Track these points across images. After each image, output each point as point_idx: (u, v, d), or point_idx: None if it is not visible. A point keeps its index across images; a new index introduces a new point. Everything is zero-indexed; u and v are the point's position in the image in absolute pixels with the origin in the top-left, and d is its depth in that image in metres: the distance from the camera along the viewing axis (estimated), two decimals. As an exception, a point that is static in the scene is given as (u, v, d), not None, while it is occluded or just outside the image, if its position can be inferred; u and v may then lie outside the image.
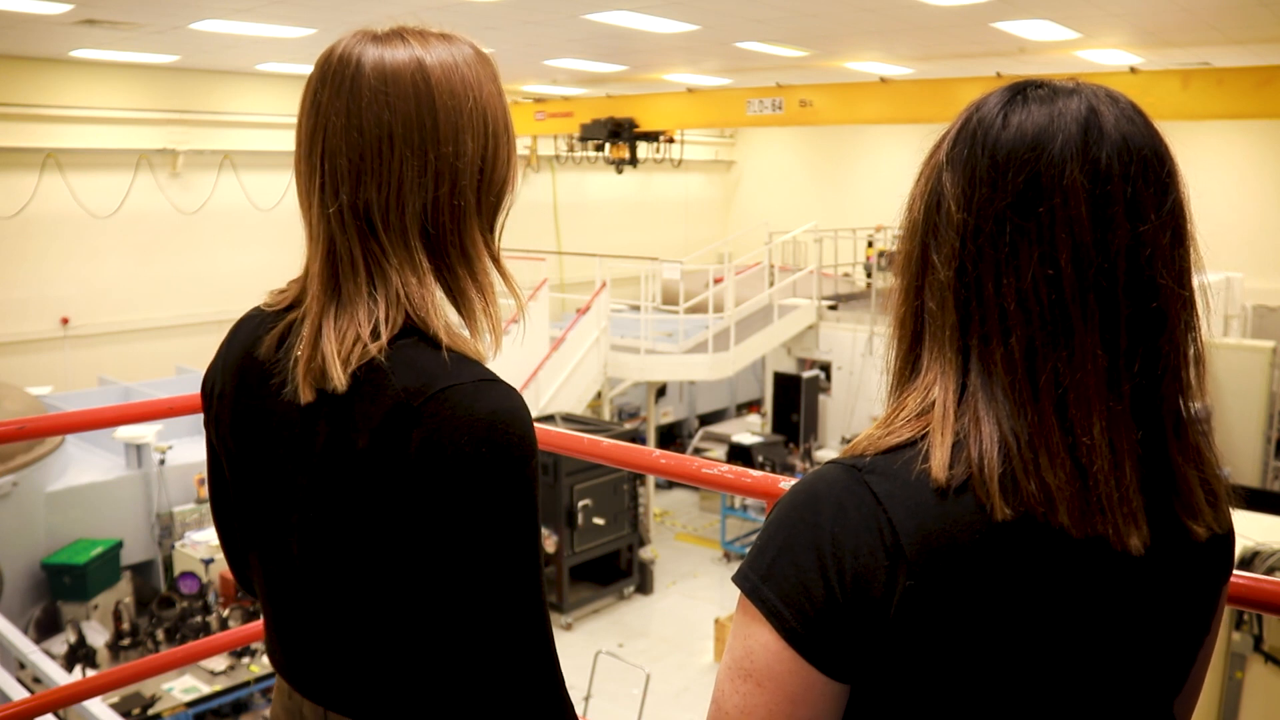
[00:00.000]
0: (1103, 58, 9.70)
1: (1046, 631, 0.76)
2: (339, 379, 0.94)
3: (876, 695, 0.77)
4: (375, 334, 0.96)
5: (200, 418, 1.19)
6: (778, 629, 0.76)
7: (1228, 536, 0.87)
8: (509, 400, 0.95)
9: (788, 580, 0.77)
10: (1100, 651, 0.79)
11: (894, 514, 0.75)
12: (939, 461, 0.75)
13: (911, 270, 0.83)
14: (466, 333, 1.02)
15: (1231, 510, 0.87)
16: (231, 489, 1.13)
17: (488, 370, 0.98)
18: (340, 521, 0.98)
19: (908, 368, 0.84)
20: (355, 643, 1.02)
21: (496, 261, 1.05)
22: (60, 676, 3.68)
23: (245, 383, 1.06)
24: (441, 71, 0.99)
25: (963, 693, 0.76)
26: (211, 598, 7.07)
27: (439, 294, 1.01)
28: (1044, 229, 0.76)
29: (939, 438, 0.77)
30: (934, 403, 0.79)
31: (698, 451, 11.78)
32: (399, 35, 1.00)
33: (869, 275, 12.76)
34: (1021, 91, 0.81)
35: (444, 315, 0.99)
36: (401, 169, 0.97)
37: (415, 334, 0.97)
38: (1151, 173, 0.77)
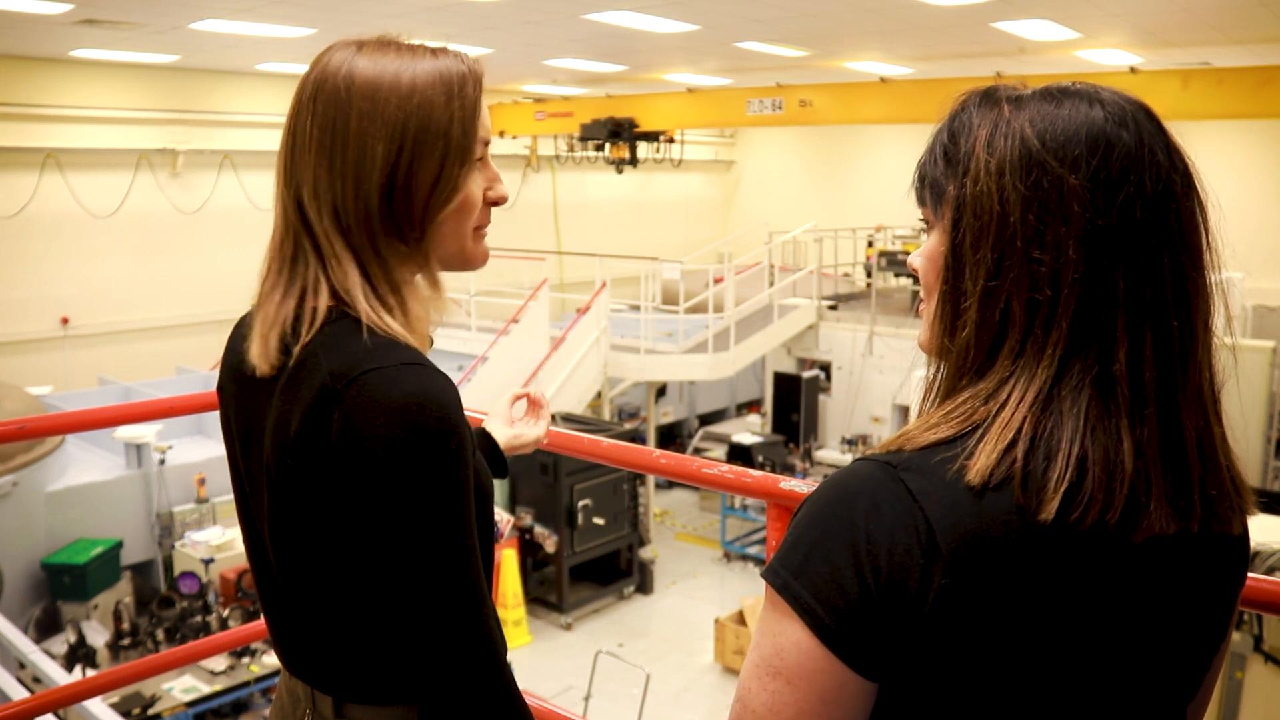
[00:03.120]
0: (1103, 58, 9.70)
1: (1078, 633, 0.76)
2: (259, 360, 1.02)
3: (905, 694, 0.77)
4: (299, 319, 1.01)
5: (200, 418, 1.21)
6: (810, 626, 0.76)
7: (1244, 537, 0.87)
8: (430, 382, 0.97)
9: (821, 577, 0.76)
10: (1128, 654, 0.79)
11: (930, 511, 0.74)
12: (984, 461, 0.75)
13: (999, 272, 0.80)
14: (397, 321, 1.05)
15: (1252, 510, 0.87)
16: (232, 482, 1.18)
17: (416, 354, 1.00)
18: (287, 507, 1.01)
19: (972, 371, 0.82)
20: (324, 626, 1.06)
21: (423, 271, 1.08)
22: (60, 676, 3.69)
23: (235, 379, 1.12)
24: (369, 78, 1.02)
25: (991, 692, 0.76)
26: (211, 598, 7.07)
27: (364, 284, 1.04)
28: (1171, 227, 0.78)
29: (994, 438, 0.76)
30: (1002, 402, 0.78)
31: (698, 451, 11.77)
32: (358, 44, 1.05)
33: (869, 275, 12.76)
34: (1096, 94, 0.81)
35: (371, 303, 1.02)
36: (317, 168, 1.02)
37: (350, 320, 1.01)
38: (1194, 172, 0.82)
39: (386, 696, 1.06)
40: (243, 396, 1.09)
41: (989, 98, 0.84)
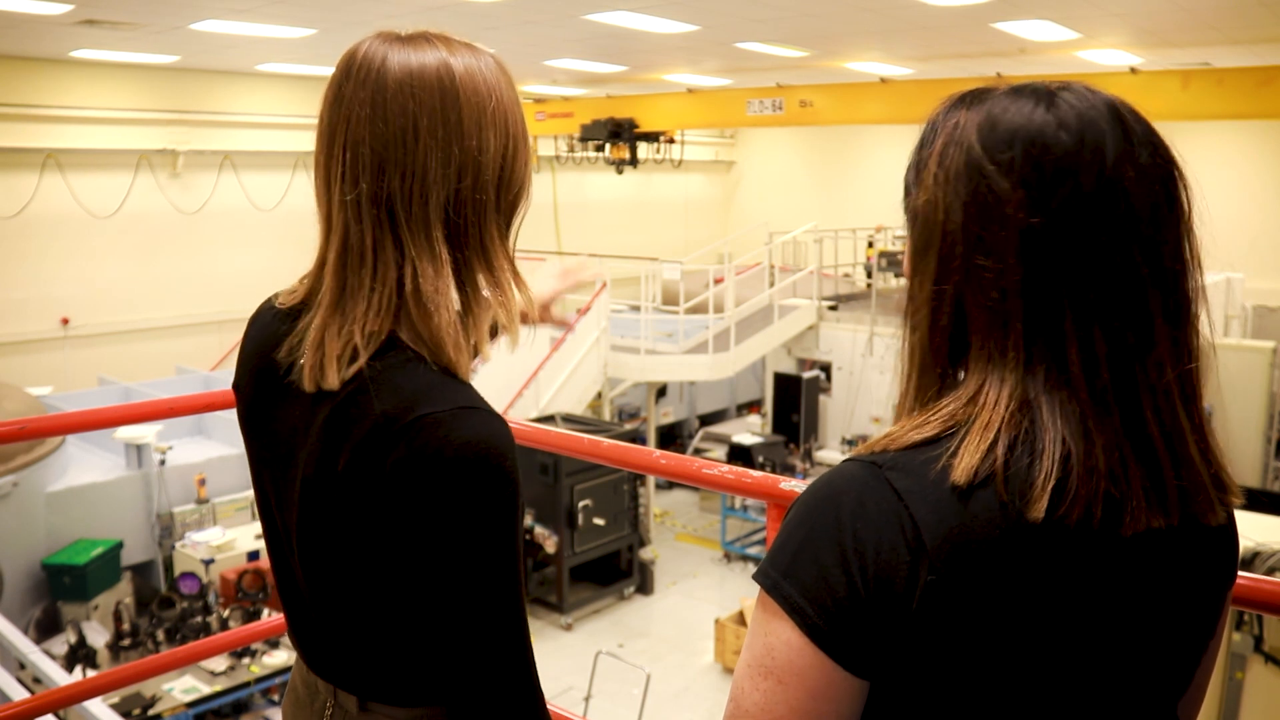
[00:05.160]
0: (1103, 58, 9.70)
1: (1065, 628, 0.77)
2: (334, 379, 0.97)
3: (896, 691, 0.78)
4: (372, 335, 0.98)
5: (200, 418, 1.21)
6: (800, 625, 0.76)
7: (1231, 530, 0.88)
8: (486, 428, 0.95)
9: (809, 576, 0.77)
10: (1115, 648, 0.80)
11: (915, 509, 0.75)
12: (969, 460, 0.76)
13: (942, 276, 0.82)
14: (472, 344, 1.03)
15: (1234, 501, 0.87)
16: (253, 481, 1.17)
17: (471, 395, 0.98)
18: (326, 530, 1.01)
19: (944, 376, 0.83)
20: (352, 632, 1.06)
21: (510, 263, 1.07)
22: (60, 677, 3.69)
23: (261, 382, 1.09)
24: (465, 70, 1.01)
25: (980, 688, 0.77)
26: (211, 598, 7.06)
27: (452, 287, 1.02)
28: (1118, 226, 0.77)
29: (976, 437, 0.77)
30: (981, 405, 0.78)
31: (698, 452, 11.77)
32: (424, 37, 1.03)
33: (869, 276, 12.75)
34: (1049, 95, 0.81)
35: (452, 314, 1.00)
36: (426, 159, 0.98)
37: (406, 348, 0.98)
38: (1174, 166, 0.81)
39: (413, 698, 1.07)
40: (269, 402, 1.07)
41: (958, 105, 0.86)
